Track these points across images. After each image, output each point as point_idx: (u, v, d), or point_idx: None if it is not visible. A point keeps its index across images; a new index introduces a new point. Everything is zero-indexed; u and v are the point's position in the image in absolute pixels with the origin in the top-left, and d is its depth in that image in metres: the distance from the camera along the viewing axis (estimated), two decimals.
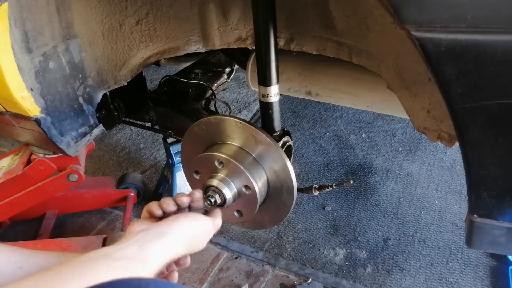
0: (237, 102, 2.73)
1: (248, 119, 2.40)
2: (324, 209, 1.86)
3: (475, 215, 0.80)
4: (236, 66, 1.84)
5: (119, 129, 2.51)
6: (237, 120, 1.01)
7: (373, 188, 1.96)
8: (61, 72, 1.14)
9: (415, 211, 1.83)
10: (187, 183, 1.17)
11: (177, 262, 0.89)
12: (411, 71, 0.87)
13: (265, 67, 0.97)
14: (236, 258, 1.66)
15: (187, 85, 1.67)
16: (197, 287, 1.55)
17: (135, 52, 1.23)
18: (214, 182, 0.99)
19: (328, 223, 1.80)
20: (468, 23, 0.59)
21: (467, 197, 0.80)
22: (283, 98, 2.59)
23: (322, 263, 1.62)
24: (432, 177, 2.01)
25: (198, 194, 0.92)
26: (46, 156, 1.48)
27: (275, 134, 1.07)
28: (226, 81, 1.82)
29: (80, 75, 1.20)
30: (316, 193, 1.13)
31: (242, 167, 0.98)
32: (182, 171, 1.22)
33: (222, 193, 0.97)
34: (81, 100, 1.23)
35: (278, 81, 1.00)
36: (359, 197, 1.92)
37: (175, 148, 1.75)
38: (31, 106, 1.06)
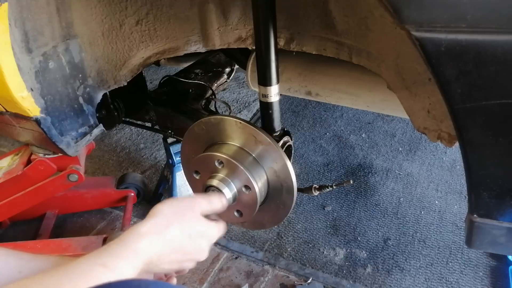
0: (237, 102, 2.73)
1: (248, 119, 2.40)
2: (324, 209, 1.86)
3: (475, 215, 0.80)
4: (236, 66, 1.84)
5: (119, 129, 2.51)
6: (237, 120, 1.01)
7: (373, 188, 1.96)
8: (61, 72, 1.14)
9: (415, 211, 1.83)
10: (187, 183, 1.17)
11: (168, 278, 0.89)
12: (411, 71, 0.87)
13: (265, 67, 0.97)
14: (236, 258, 1.66)
15: (187, 85, 1.67)
16: (197, 287, 1.55)
17: (135, 52, 1.23)
18: (214, 182, 0.99)
19: (328, 223, 1.80)
20: (468, 23, 0.59)
21: (467, 197, 0.80)
22: (283, 98, 2.59)
23: (322, 263, 1.62)
24: (432, 177, 2.01)
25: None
26: (46, 156, 1.48)
27: (275, 134, 1.07)
28: (226, 81, 1.82)
29: (80, 75, 1.20)
30: (316, 193, 1.13)
31: (242, 167, 0.98)
32: (182, 171, 1.22)
33: (222, 193, 0.97)
34: (81, 100, 1.23)
35: (278, 81, 1.00)
36: (359, 197, 1.92)
37: (175, 148, 1.75)
38: (31, 106, 1.06)
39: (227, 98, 2.74)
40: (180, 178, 1.80)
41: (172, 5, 1.15)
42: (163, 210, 0.82)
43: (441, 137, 0.90)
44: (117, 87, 1.29)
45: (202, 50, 1.22)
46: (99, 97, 1.28)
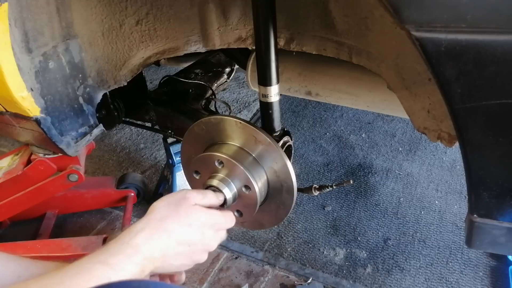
0: (237, 102, 2.73)
1: (248, 119, 2.40)
2: (324, 209, 1.86)
3: (475, 215, 0.80)
4: (236, 66, 1.84)
5: (119, 129, 2.51)
6: (237, 120, 1.01)
7: (373, 188, 1.96)
8: (61, 72, 1.14)
9: (415, 211, 1.83)
10: (187, 183, 1.17)
11: (171, 278, 0.89)
12: (411, 71, 0.87)
13: (265, 67, 0.97)
14: (236, 258, 1.66)
15: (187, 85, 1.67)
16: (197, 287, 1.55)
17: (135, 52, 1.23)
18: (214, 182, 0.99)
19: (328, 223, 1.80)
20: (468, 23, 0.59)
21: (467, 197, 0.80)
22: (283, 98, 2.59)
23: (322, 263, 1.62)
24: (432, 177, 2.01)
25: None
26: (46, 156, 1.48)
27: (275, 134, 1.07)
28: (226, 81, 1.82)
29: (80, 75, 1.20)
30: (316, 193, 1.13)
31: (242, 167, 0.98)
32: (182, 171, 1.22)
33: (222, 193, 0.97)
34: (81, 100, 1.23)
35: (278, 81, 1.00)
36: (359, 197, 1.92)
37: (175, 148, 1.75)
38: (31, 106, 1.06)
39: (227, 98, 2.74)
40: (180, 178, 1.80)
41: (172, 5, 1.15)
42: (157, 206, 0.82)
43: (441, 137, 0.90)
44: (117, 87, 1.29)
45: (202, 50, 1.22)
46: (99, 97, 1.28)
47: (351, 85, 1.29)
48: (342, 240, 1.72)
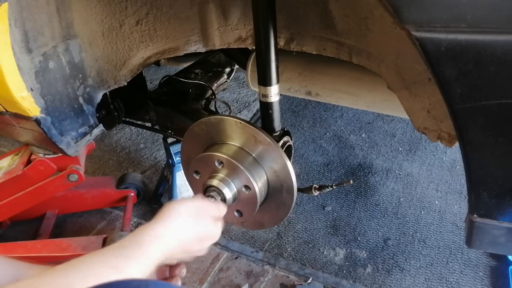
0: (237, 102, 2.73)
1: (248, 119, 2.40)
2: (324, 209, 1.86)
3: (475, 215, 0.80)
4: (236, 66, 1.84)
5: (119, 129, 2.51)
6: (237, 120, 1.01)
7: (373, 188, 1.96)
8: (61, 72, 1.14)
9: (415, 211, 1.83)
10: (187, 183, 1.17)
11: (171, 271, 0.89)
12: (411, 71, 0.87)
13: (265, 67, 0.97)
14: (236, 258, 1.66)
15: (187, 85, 1.67)
16: (197, 287, 1.55)
17: (135, 52, 1.23)
18: (214, 182, 0.99)
19: (328, 223, 1.80)
20: (468, 23, 0.59)
21: (467, 197, 0.80)
22: (283, 98, 2.59)
23: (322, 263, 1.62)
24: (432, 177, 2.01)
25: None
26: (46, 156, 1.48)
27: (275, 134, 1.07)
28: (226, 81, 1.82)
29: (80, 75, 1.20)
30: (316, 193, 1.13)
31: (242, 167, 0.98)
32: (182, 171, 1.22)
33: (222, 193, 0.97)
34: (81, 100, 1.23)
35: (278, 81, 1.00)
36: (359, 197, 1.92)
37: (175, 148, 1.75)
38: (31, 106, 1.06)
39: (227, 98, 2.74)
40: (180, 178, 1.79)
41: (172, 5, 1.15)
42: (179, 212, 0.83)
43: (441, 137, 0.90)
44: (117, 87, 1.29)
45: (202, 50, 1.22)
46: (99, 97, 1.28)
47: (351, 85, 1.29)
48: (342, 240, 1.71)
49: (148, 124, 1.67)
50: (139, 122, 1.71)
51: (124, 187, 1.87)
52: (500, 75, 0.62)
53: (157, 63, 1.61)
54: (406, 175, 2.03)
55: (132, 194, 1.84)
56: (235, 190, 1.00)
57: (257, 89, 1.05)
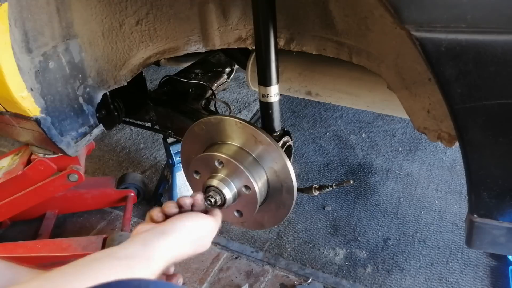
0: (237, 102, 2.73)
1: (248, 119, 2.40)
2: (324, 209, 1.86)
3: (475, 215, 0.80)
4: (236, 66, 1.84)
5: (119, 129, 2.51)
6: (237, 120, 1.01)
7: (373, 188, 1.96)
8: (61, 72, 1.14)
9: (415, 211, 1.83)
10: (187, 183, 1.17)
11: (168, 278, 0.89)
12: (411, 71, 0.87)
13: (265, 67, 0.97)
14: (236, 258, 1.66)
15: (187, 85, 1.67)
16: (197, 287, 1.55)
17: (135, 52, 1.23)
18: (214, 182, 0.99)
19: (328, 223, 1.80)
20: (468, 23, 0.59)
21: (467, 197, 0.80)
22: (283, 98, 2.59)
23: (322, 263, 1.62)
24: (432, 177, 2.01)
25: (200, 196, 0.92)
26: (46, 156, 1.48)
27: (275, 134, 1.07)
28: (226, 81, 1.82)
29: (80, 75, 1.20)
30: (316, 193, 1.13)
31: (242, 167, 0.98)
32: (182, 171, 1.22)
33: (222, 193, 0.97)
34: (81, 100, 1.23)
35: (278, 81, 1.00)
36: (359, 197, 1.92)
37: (175, 148, 1.75)
38: (31, 106, 1.06)
39: (227, 98, 2.74)
40: (180, 178, 1.80)
41: (172, 5, 1.14)
42: (187, 228, 0.82)
43: (441, 137, 0.90)
44: (117, 87, 1.29)
45: (202, 50, 1.22)
46: (99, 97, 1.28)
47: (351, 85, 1.28)
48: (342, 240, 1.72)
49: (148, 124, 1.67)
50: (139, 122, 1.71)
51: (124, 187, 1.87)
52: (500, 75, 0.62)
53: (157, 63, 1.61)
54: (406, 175, 2.03)
55: (132, 194, 1.84)
56: (235, 190, 1.00)
57: (257, 89, 1.05)
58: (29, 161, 1.51)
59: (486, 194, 0.76)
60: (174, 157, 1.77)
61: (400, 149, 2.21)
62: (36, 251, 1.53)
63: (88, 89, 1.24)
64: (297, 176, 1.05)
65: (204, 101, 1.63)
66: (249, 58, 1.42)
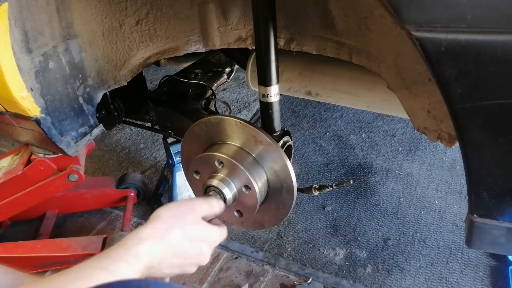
0: (237, 102, 2.73)
1: (248, 119, 2.40)
2: (324, 209, 1.86)
3: (475, 215, 0.80)
4: (236, 66, 1.84)
5: (119, 129, 2.51)
6: (237, 120, 1.01)
7: (373, 188, 1.96)
8: (61, 72, 1.14)
9: (415, 211, 1.83)
10: (187, 183, 1.17)
11: None
12: (411, 71, 0.87)
13: (265, 67, 0.97)
14: (236, 258, 1.66)
15: (187, 85, 1.67)
16: (197, 287, 1.55)
17: (135, 52, 1.23)
18: (214, 182, 0.99)
19: (328, 223, 1.80)
20: (468, 23, 0.59)
21: (467, 197, 0.80)
22: (283, 98, 2.59)
23: (322, 263, 1.62)
24: (432, 177, 2.01)
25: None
26: (46, 156, 1.48)
27: (275, 134, 1.07)
28: (226, 81, 1.82)
29: (80, 75, 1.20)
30: (316, 193, 1.13)
31: (242, 167, 0.98)
32: (182, 171, 1.22)
33: (222, 193, 0.97)
34: (81, 100, 1.23)
35: (278, 81, 1.00)
36: (359, 197, 1.92)
37: (175, 148, 1.75)
38: (31, 106, 1.06)
39: (227, 98, 2.74)
40: (180, 178, 1.80)
41: (172, 5, 1.14)
42: (164, 214, 0.82)
43: (441, 137, 0.90)
44: (117, 87, 1.29)
45: (202, 50, 1.22)
46: (99, 97, 1.28)
47: (351, 85, 1.28)
48: (342, 240, 1.71)
49: (148, 124, 1.67)
50: (139, 122, 1.71)
51: (124, 187, 1.87)
52: (500, 75, 0.62)
53: (157, 63, 1.61)
54: (406, 175, 2.03)
55: (132, 194, 1.84)
56: (235, 190, 1.00)
57: (257, 89, 1.05)
58: (29, 161, 1.51)
59: (486, 194, 0.76)
60: (174, 157, 1.77)
61: (400, 149, 2.21)
62: (36, 251, 1.53)
63: (88, 89, 1.24)
64: (297, 176, 1.05)
65: (204, 101, 1.63)
66: (249, 58, 1.42)
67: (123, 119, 1.51)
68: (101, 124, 1.32)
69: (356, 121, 2.44)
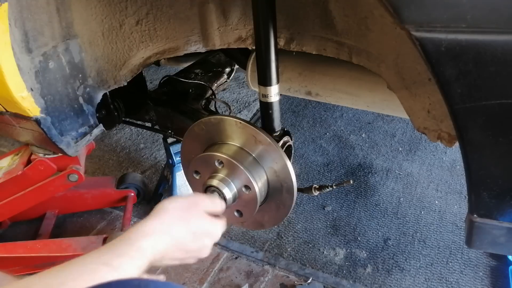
0: (237, 102, 2.73)
1: (248, 119, 2.40)
2: (324, 209, 1.86)
3: (475, 215, 0.80)
4: (236, 66, 1.84)
5: (119, 129, 2.51)
6: (237, 120, 1.01)
7: (373, 188, 1.96)
8: (61, 72, 1.14)
9: (415, 211, 1.83)
10: (187, 183, 1.17)
11: None
12: (411, 71, 0.87)
13: (265, 67, 0.97)
14: (236, 258, 1.66)
15: (187, 85, 1.67)
16: (197, 287, 1.55)
17: (135, 52, 1.23)
18: (214, 182, 0.99)
19: (328, 223, 1.80)
20: (468, 23, 0.59)
21: (467, 197, 0.80)
22: (283, 98, 2.59)
23: (322, 263, 1.62)
24: (432, 177, 2.01)
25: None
26: (46, 156, 1.48)
27: (275, 134, 1.07)
28: (226, 81, 1.82)
29: (80, 75, 1.20)
30: (316, 193, 1.13)
31: (242, 167, 0.98)
32: (182, 171, 1.22)
33: (222, 193, 0.97)
34: (81, 100, 1.23)
35: (278, 81, 1.00)
36: (359, 197, 1.92)
37: (175, 148, 1.75)
38: (31, 106, 1.06)
39: (227, 98, 2.74)
40: (180, 178, 1.80)
41: (172, 5, 1.15)
42: (167, 208, 0.82)
43: (441, 137, 0.90)
44: (117, 87, 1.29)
45: (202, 50, 1.22)
46: (99, 97, 1.28)
47: (351, 85, 1.28)
48: (342, 240, 1.71)
49: (148, 124, 1.67)
50: (139, 122, 1.71)
51: (124, 187, 1.87)
52: (500, 75, 0.62)
53: (157, 63, 1.61)
54: (406, 175, 2.03)
55: (132, 194, 1.84)
56: (235, 190, 1.00)
57: (257, 89, 1.05)
58: (29, 161, 1.51)
59: (486, 194, 0.76)
60: (174, 157, 1.77)
61: (400, 149, 2.21)
62: (36, 251, 1.52)
63: (88, 89, 1.24)
64: (297, 176, 1.05)
65: (204, 101, 1.63)
66: (249, 58, 1.41)
67: (123, 119, 1.51)
68: (101, 124, 1.32)
69: (356, 121, 2.44)
